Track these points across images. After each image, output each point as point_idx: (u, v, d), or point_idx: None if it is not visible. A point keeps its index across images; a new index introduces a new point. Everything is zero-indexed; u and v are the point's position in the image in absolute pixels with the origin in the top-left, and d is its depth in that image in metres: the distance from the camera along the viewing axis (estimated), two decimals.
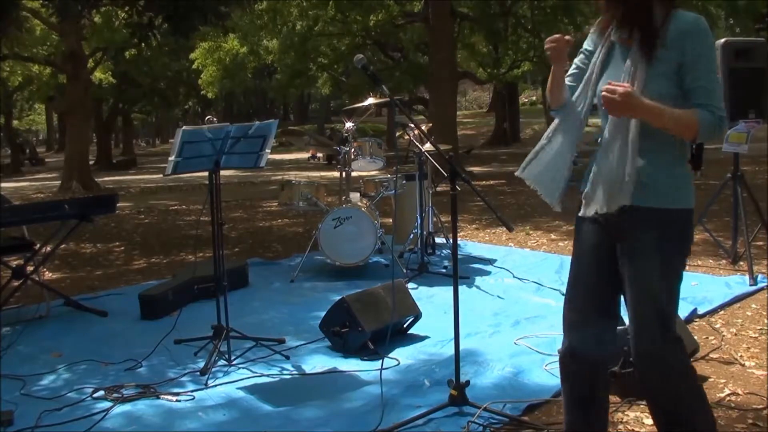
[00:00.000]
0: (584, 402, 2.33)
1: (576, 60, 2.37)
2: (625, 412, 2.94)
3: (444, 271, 5.59)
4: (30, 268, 4.82)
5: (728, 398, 3.07)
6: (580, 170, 2.35)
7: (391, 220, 7.20)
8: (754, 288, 4.79)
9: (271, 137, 3.93)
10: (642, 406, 2.97)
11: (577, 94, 2.30)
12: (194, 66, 24.96)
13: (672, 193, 2.13)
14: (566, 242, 6.97)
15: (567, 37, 2.27)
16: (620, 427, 2.82)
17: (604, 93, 2.04)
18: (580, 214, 2.32)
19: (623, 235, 2.18)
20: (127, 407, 3.16)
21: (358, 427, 2.89)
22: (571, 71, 2.37)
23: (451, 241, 3.13)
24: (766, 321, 4.13)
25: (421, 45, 21.56)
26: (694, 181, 2.21)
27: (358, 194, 6.16)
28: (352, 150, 5.97)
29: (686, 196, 2.15)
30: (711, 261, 5.77)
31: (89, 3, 9.91)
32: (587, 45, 2.34)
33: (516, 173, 2.40)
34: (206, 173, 3.82)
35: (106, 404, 3.18)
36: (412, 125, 4.21)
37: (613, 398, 3.06)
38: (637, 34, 2.12)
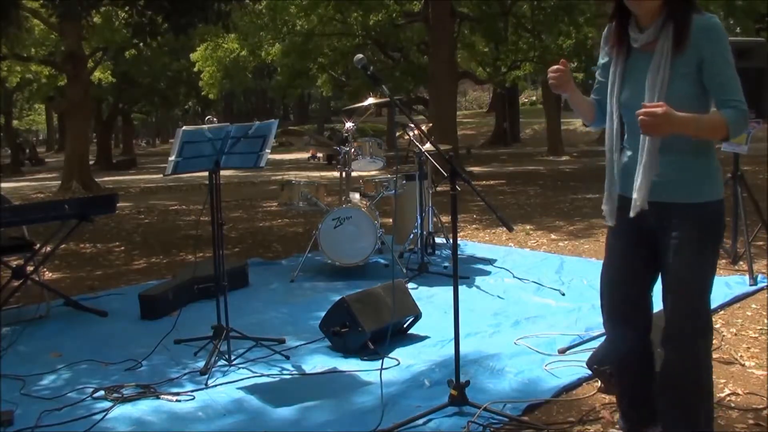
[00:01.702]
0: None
1: (597, 75, 2.48)
2: None
3: (444, 271, 5.59)
4: (30, 268, 4.82)
5: (728, 398, 3.07)
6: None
7: (391, 220, 7.20)
8: (754, 288, 4.79)
9: (271, 137, 3.93)
10: None
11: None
12: (195, 68, 24.96)
13: (700, 187, 2.24)
14: (566, 242, 6.97)
15: (564, 65, 2.34)
16: (620, 426, 2.82)
17: (642, 117, 2.09)
18: (613, 216, 2.42)
19: (658, 231, 2.29)
20: (127, 407, 3.16)
21: (358, 427, 2.89)
22: (594, 87, 2.49)
23: (451, 241, 3.13)
24: (766, 321, 4.13)
25: (421, 45, 21.55)
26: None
27: (358, 194, 6.16)
28: (352, 150, 5.97)
29: (715, 189, 2.26)
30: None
31: (89, 3, 9.91)
32: (602, 59, 2.43)
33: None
34: (206, 173, 3.82)
35: (106, 404, 3.18)
36: (412, 125, 4.21)
37: (613, 398, 3.06)
38: (671, 29, 2.18)
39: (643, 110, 2.10)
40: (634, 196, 2.26)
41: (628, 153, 2.36)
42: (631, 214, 2.28)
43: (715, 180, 2.28)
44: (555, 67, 2.33)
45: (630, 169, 2.32)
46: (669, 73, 2.18)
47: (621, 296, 2.44)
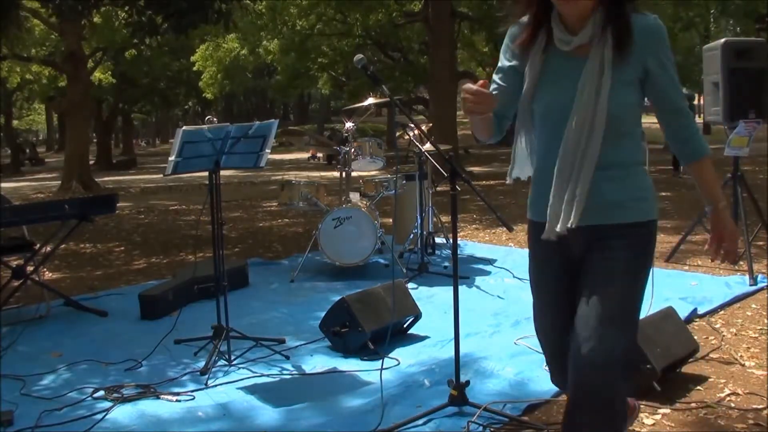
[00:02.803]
0: None
1: (497, 80, 2.12)
2: None
3: (444, 271, 5.59)
4: (30, 268, 4.82)
5: (728, 398, 3.07)
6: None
7: (391, 220, 7.20)
8: (754, 288, 4.79)
9: (271, 137, 3.93)
10: (642, 406, 2.97)
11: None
12: (195, 68, 24.97)
13: (637, 205, 2.00)
14: None
15: (484, 86, 1.90)
16: None
17: (724, 255, 2.02)
18: (539, 238, 2.07)
19: (587, 256, 2.02)
20: (127, 407, 3.16)
21: (358, 427, 2.89)
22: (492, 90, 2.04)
23: (451, 241, 3.13)
24: (766, 321, 4.13)
25: (421, 45, 21.55)
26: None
27: (358, 194, 6.16)
28: (352, 150, 5.97)
29: (652, 206, 2.03)
30: (711, 261, 5.76)
31: (89, 3, 9.91)
32: (506, 61, 2.09)
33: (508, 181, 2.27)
34: (206, 173, 3.82)
35: (106, 404, 3.18)
36: (412, 125, 4.21)
37: None
38: (611, 31, 1.91)
39: (723, 249, 2.00)
40: (563, 219, 1.98)
41: (545, 170, 2.04)
42: (550, 237, 2.01)
43: (651, 197, 2.03)
44: (474, 88, 1.88)
45: (548, 188, 2.01)
46: (610, 80, 1.91)
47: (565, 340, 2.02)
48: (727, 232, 1.99)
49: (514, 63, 2.08)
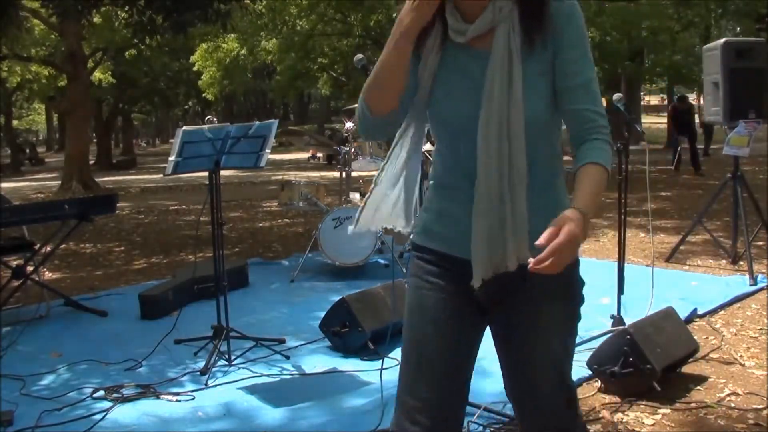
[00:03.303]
0: None
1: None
2: (626, 412, 2.94)
3: None
4: (30, 268, 4.82)
5: (728, 398, 3.07)
6: None
7: None
8: (754, 288, 4.79)
9: (271, 137, 3.93)
10: (642, 406, 2.98)
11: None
12: (195, 68, 24.96)
13: None
14: None
15: None
16: (620, 427, 2.82)
17: (549, 263, 1.38)
18: (433, 270, 1.69)
19: (504, 297, 1.63)
20: (127, 407, 3.16)
21: (358, 427, 2.89)
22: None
23: None
24: (766, 321, 4.13)
25: None
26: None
27: (358, 194, 6.16)
28: (352, 150, 5.97)
29: None
30: (711, 261, 5.77)
31: (89, 3, 9.91)
32: None
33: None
34: (206, 173, 3.82)
35: (106, 404, 3.18)
36: None
37: (612, 398, 3.07)
38: (518, 15, 1.55)
39: (545, 255, 1.38)
40: (511, 252, 1.55)
41: (449, 188, 1.67)
42: (475, 284, 1.58)
43: None
44: None
45: (457, 210, 1.63)
46: (522, 73, 1.53)
47: (449, 391, 1.69)
48: (569, 244, 1.39)
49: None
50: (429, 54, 1.61)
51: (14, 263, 4.92)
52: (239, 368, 3.62)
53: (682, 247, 5.90)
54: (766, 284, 4.85)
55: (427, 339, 1.68)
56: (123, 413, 3.10)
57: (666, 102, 32.24)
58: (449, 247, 1.65)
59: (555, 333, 1.65)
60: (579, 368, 3.33)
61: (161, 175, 4.83)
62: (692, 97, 19.29)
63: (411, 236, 1.77)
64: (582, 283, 1.68)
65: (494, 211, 1.54)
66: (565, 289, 1.63)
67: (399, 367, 1.75)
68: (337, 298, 3.94)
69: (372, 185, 1.78)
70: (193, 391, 3.32)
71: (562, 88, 1.57)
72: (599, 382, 3.19)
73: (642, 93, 34.68)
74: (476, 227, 1.56)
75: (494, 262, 1.56)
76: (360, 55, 3.31)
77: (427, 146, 5.35)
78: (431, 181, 1.74)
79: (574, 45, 1.56)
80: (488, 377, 3.36)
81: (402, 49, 1.53)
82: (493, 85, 1.53)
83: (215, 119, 4.13)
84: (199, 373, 3.53)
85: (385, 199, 1.77)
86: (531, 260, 1.40)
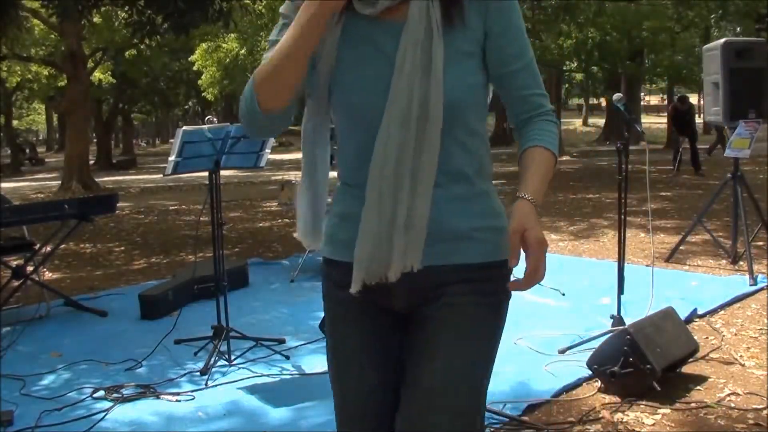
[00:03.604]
0: None
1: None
2: (626, 412, 2.94)
3: None
4: (30, 268, 4.82)
5: (728, 398, 3.07)
6: None
7: None
8: (754, 288, 4.79)
9: (271, 137, 3.93)
10: (642, 406, 2.98)
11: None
12: (194, 68, 24.97)
13: (488, 239, 1.39)
14: (566, 242, 6.97)
15: None
16: (620, 427, 2.82)
17: (530, 279, 1.28)
18: (343, 285, 1.40)
19: (414, 307, 1.41)
20: (127, 407, 3.17)
21: None
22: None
23: None
24: (766, 321, 4.13)
25: None
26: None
27: None
28: None
29: (504, 241, 1.33)
30: (711, 261, 5.77)
31: (89, 3, 9.91)
32: (293, 15, 1.31)
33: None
34: (206, 173, 3.82)
35: (106, 404, 3.18)
36: None
37: (613, 398, 3.07)
38: None
39: (528, 279, 1.28)
40: (397, 259, 1.32)
41: (358, 187, 1.37)
42: (352, 289, 1.37)
43: (506, 227, 1.33)
44: None
45: (357, 219, 1.35)
46: (443, 52, 1.30)
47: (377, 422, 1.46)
48: (543, 257, 1.26)
49: None
50: (328, 26, 1.31)
51: (14, 263, 4.92)
52: (239, 368, 3.62)
53: (682, 247, 5.90)
54: (766, 284, 4.85)
55: (352, 385, 1.50)
56: (123, 413, 3.10)
57: (666, 102, 32.26)
58: (346, 255, 1.40)
59: (471, 346, 1.38)
60: (579, 368, 3.34)
61: (161, 175, 4.83)
62: (692, 98, 19.26)
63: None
64: (507, 294, 1.42)
65: (386, 210, 1.32)
66: (490, 295, 1.40)
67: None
68: None
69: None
70: (193, 391, 3.32)
71: (503, 73, 1.38)
72: (599, 382, 3.19)
73: (642, 93, 34.69)
74: (362, 225, 1.34)
75: (375, 267, 1.34)
76: None
77: None
78: (337, 182, 1.48)
79: (508, 26, 1.36)
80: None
81: (314, 29, 1.26)
82: (405, 61, 1.29)
83: (215, 119, 4.13)
84: (199, 373, 3.53)
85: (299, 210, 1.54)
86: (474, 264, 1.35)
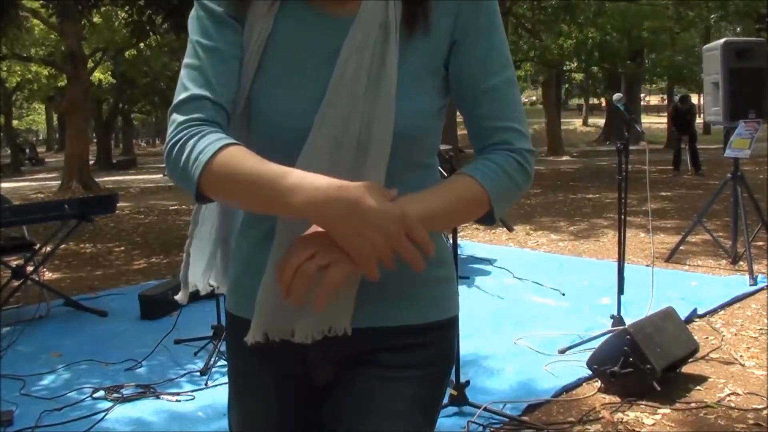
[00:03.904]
0: None
1: (197, 50, 1.04)
2: (625, 412, 2.94)
3: None
4: (30, 268, 4.82)
5: (728, 398, 3.07)
6: None
7: None
8: (754, 288, 4.79)
9: None
10: (642, 406, 2.98)
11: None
12: None
13: (432, 295, 1.12)
14: (566, 242, 6.98)
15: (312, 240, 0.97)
16: (620, 427, 2.83)
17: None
18: (247, 344, 1.07)
19: (339, 375, 1.11)
20: (127, 407, 3.16)
21: None
22: (190, 75, 1.05)
23: (450, 241, 3.12)
24: (766, 321, 4.13)
25: None
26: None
27: None
28: None
29: (452, 295, 1.16)
30: (711, 261, 5.77)
31: (89, 3, 9.91)
32: (217, 7, 1.04)
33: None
34: None
35: (106, 404, 3.18)
36: None
37: (613, 398, 3.07)
38: None
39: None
40: (319, 321, 1.04)
41: (263, 233, 1.08)
42: (248, 340, 1.06)
43: (453, 275, 1.19)
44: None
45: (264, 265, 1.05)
46: (397, 50, 1.01)
47: None
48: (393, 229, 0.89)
49: (221, 8, 1.04)
50: (258, 18, 1.04)
51: (14, 263, 4.92)
52: None
53: (682, 247, 5.90)
54: (766, 284, 4.84)
55: (251, 410, 1.18)
56: (123, 413, 3.10)
57: (666, 102, 32.26)
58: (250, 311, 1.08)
59: (409, 421, 1.08)
60: (579, 368, 3.34)
61: (161, 175, 4.84)
62: (693, 98, 19.26)
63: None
64: (451, 355, 1.17)
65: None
66: (430, 362, 1.10)
67: None
68: None
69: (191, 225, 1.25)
70: (193, 391, 3.32)
71: (466, 94, 1.07)
72: (599, 382, 3.19)
73: (642, 93, 34.70)
74: (268, 270, 1.03)
75: (278, 324, 1.05)
76: None
77: None
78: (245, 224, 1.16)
79: (479, 35, 1.05)
80: (488, 377, 3.36)
81: (279, 213, 0.98)
82: (347, 67, 0.99)
83: None
84: (199, 373, 3.53)
85: (200, 248, 1.26)
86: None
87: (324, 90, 1.00)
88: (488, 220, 1.06)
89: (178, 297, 1.34)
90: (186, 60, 1.05)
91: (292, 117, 1.01)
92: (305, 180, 0.90)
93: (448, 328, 1.13)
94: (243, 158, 0.94)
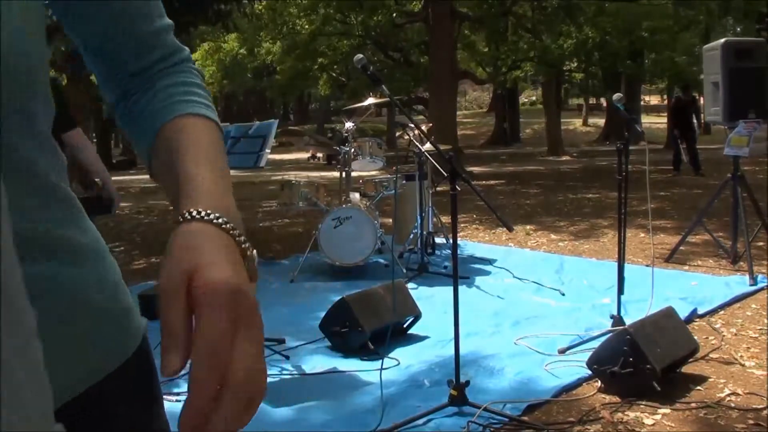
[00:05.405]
0: None
1: None
2: (625, 412, 2.94)
3: (444, 271, 5.59)
4: None
5: (728, 398, 3.07)
6: None
7: (391, 220, 7.20)
8: (754, 288, 4.79)
9: (270, 137, 3.93)
10: (642, 406, 2.98)
11: None
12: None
13: (126, 315, 0.79)
14: (566, 242, 6.97)
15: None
16: (620, 427, 2.82)
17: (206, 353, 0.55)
18: None
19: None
20: None
21: (358, 427, 2.89)
22: None
23: (451, 241, 3.12)
24: (766, 321, 4.13)
25: (421, 45, 21.58)
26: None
27: (358, 194, 6.17)
28: (352, 150, 5.97)
29: (132, 304, 0.81)
30: (711, 261, 5.77)
31: None
32: None
33: None
34: None
35: None
36: (412, 125, 4.21)
37: (613, 398, 3.07)
38: None
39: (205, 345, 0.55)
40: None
41: None
42: None
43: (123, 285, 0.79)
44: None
45: None
46: None
47: None
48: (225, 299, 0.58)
49: None
50: None
51: None
52: None
53: (682, 247, 5.90)
54: (766, 284, 4.84)
55: None
56: None
57: (666, 102, 32.24)
58: None
59: None
60: (579, 368, 3.34)
61: None
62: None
63: None
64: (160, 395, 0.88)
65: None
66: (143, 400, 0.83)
67: None
68: (337, 298, 3.94)
69: None
70: None
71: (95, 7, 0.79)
72: (599, 382, 3.19)
73: (642, 93, 34.68)
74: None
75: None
76: (360, 55, 3.30)
77: (427, 146, 5.36)
78: None
79: None
80: (488, 377, 3.36)
81: None
82: None
83: None
84: None
85: None
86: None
87: None
88: None
89: None
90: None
91: None
92: None
93: (145, 342, 0.84)
94: None
